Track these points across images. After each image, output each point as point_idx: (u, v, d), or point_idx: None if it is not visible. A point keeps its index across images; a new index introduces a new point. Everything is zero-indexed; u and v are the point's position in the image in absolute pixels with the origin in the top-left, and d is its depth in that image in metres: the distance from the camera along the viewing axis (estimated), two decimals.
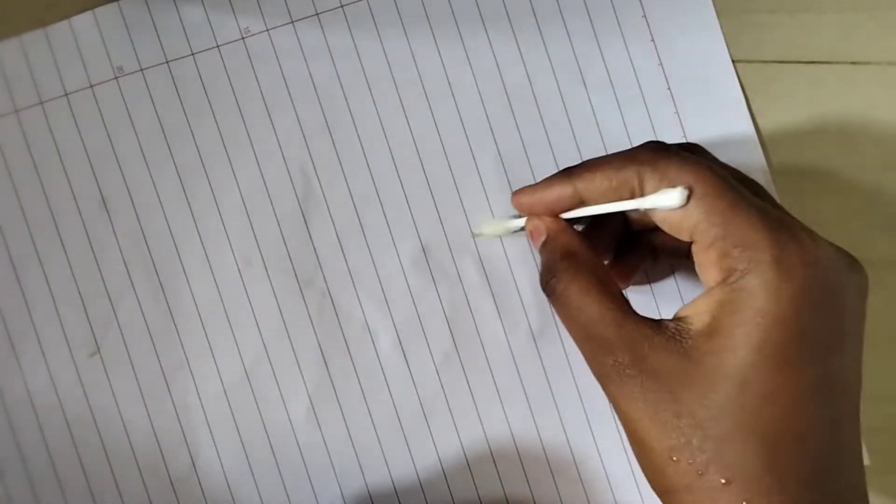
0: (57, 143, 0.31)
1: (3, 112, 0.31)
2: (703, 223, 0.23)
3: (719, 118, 0.32)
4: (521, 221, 0.28)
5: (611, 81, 0.32)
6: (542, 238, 0.27)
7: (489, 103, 0.32)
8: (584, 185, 0.26)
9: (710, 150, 0.27)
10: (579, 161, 0.26)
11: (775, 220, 0.23)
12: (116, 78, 0.31)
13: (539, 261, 0.28)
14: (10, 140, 0.31)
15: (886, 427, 0.32)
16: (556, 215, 0.27)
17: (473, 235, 0.31)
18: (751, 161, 0.32)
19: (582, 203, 0.26)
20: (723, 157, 0.26)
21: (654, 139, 0.26)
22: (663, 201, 0.24)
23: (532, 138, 0.32)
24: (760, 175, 0.32)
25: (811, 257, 0.22)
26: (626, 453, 0.32)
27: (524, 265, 0.32)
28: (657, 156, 0.24)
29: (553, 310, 0.27)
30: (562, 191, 0.26)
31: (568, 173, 0.26)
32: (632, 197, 0.25)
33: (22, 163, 0.31)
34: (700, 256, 0.24)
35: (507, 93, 0.32)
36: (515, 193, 0.27)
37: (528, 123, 0.32)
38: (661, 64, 0.32)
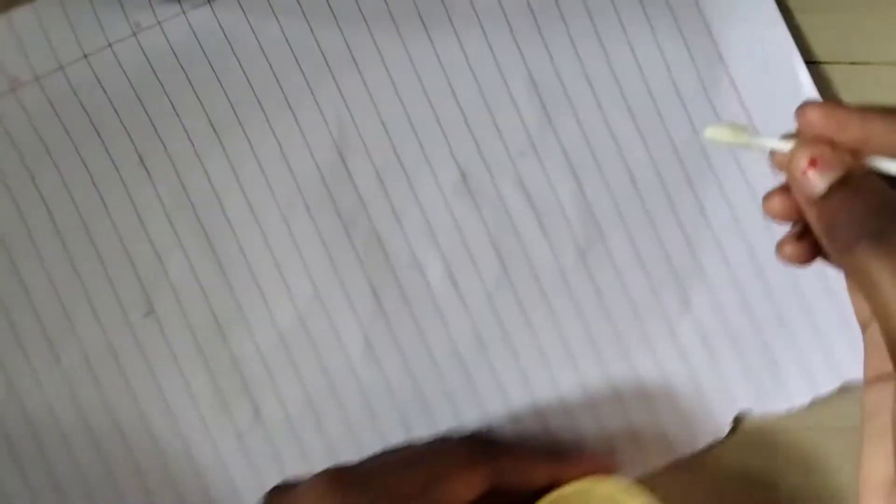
0: (85, 107, 0.31)
1: (26, 80, 0.30)
2: None
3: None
4: (781, 144, 0.23)
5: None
6: (836, 175, 0.21)
7: (515, 27, 0.32)
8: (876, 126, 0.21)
9: None
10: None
11: None
12: (135, 34, 0.31)
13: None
14: (37, 110, 0.30)
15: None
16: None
17: (705, 138, 0.24)
18: None
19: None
20: None
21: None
22: None
23: (562, 57, 0.32)
24: None
25: None
26: (688, 368, 0.32)
27: (565, 182, 0.32)
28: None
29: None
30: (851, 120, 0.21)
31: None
32: None
33: (54, 132, 0.31)
34: None
35: (533, 13, 0.32)
36: (808, 108, 0.22)
37: (558, 43, 0.32)
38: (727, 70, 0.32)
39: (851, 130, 0.21)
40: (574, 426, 0.32)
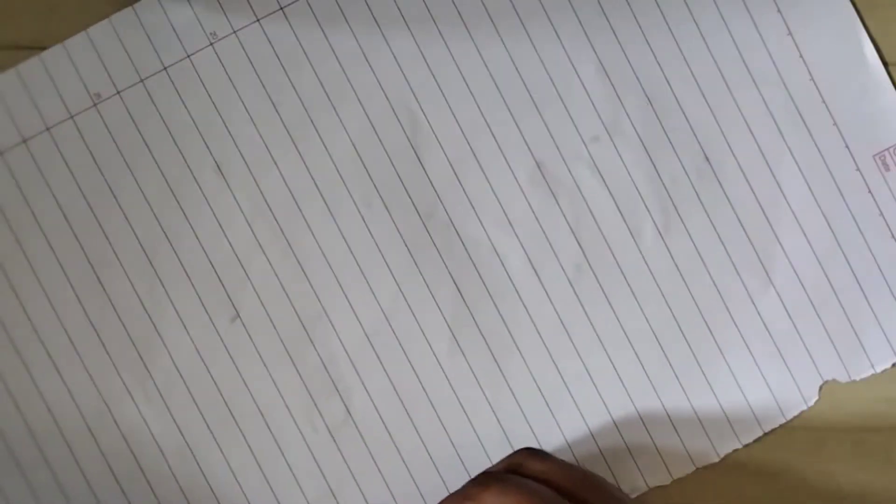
0: (163, 117, 0.31)
1: (107, 95, 0.31)
2: None
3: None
4: None
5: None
6: None
7: (580, 11, 0.32)
8: None
9: None
10: None
11: None
12: (212, 44, 0.31)
13: None
14: (117, 122, 0.31)
15: (886, 427, 0.32)
16: None
17: None
18: None
19: None
20: None
21: (486, 469, 0.30)
22: None
23: (628, 38, 0.32)
24: None
25: None
26: (772, 343, 0.32)
27: (640, 164, 0.32)
28: (480, 489, 0.27)
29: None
30: None
31: None
32: None
33: (133, 141, 0.31)
34: None
35: (600, 2, 0.32)
36: None
37: (623, 25, 0.32)
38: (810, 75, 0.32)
39: None
40: (662, 406, 0.32)
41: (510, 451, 0.32)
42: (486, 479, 0.28)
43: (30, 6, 0.31)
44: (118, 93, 0.31)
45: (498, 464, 0.30)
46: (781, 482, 0.32)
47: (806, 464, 0.32)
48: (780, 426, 0.32)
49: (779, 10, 0.32)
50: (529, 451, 0.30)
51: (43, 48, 0.31)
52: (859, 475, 0.32)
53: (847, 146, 0.32)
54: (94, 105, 0.31)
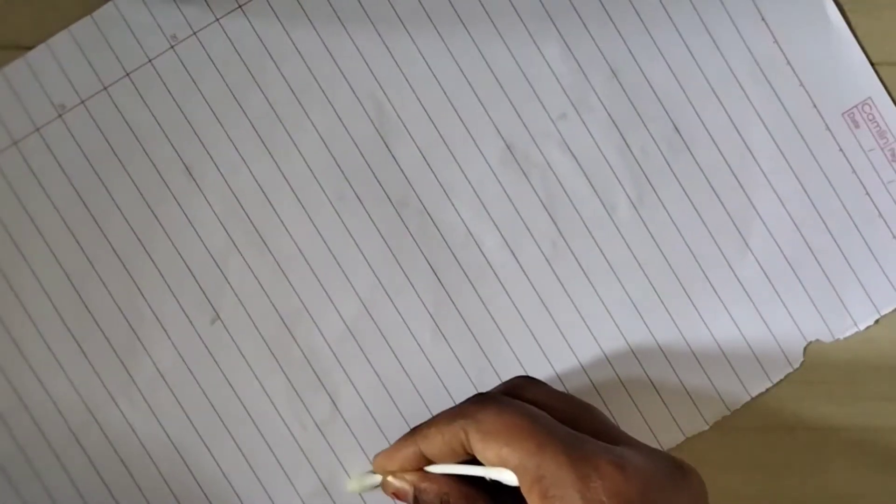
0: (129, 123, 0.31)
1: (71, 105, 0.31)
2: (521, 466, 0.25)
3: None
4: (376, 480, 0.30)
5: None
6: (411, 494, 0.28)
7: None
8: (424, 443, 0.28)
9: None
10: None
11: (580, 455, 0.25)
12: (173, 47, 0.31)
13: None
14: (83, 130, 0.31)
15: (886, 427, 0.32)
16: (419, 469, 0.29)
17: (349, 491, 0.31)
18: None
19: (429, 460, 0.28)
20: None
21: (480, 391, 0.30)
22: (501, 477, 0.26)
23: (590, 12, 0.32)
24: None
25: (616, 487, 0.24)
26: (753, 308, 0.32)
27: (610, 139, 0.32)
28: (477, 407, 0.27)
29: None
30: (408, 450, 0.28)
31: (413, 432, 0.29)
32: (463, 450, 0.27)
33: (100, 150, 0.31)
34: (529, 496, 0.25)
35: None
36: (375, 459, 0.30)
37: (587, 4, 0.32)
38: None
39: (400, 456, 0.29)
40: (647, 378, 0.32)
41: None
42: (483, 399, 0.27)
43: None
44: (82, 102, 0.31)
45: (495, 388, 0.30)
46: (781, 482, 0.32)
47: (806, 463, 0.32)
48: (768, 390, 0.32)
49: None
50: (527, 378, 0.29)
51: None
52: (859, 475, 0.32)
53: (815, 106, 0.32)
54: (60, 116, 0.31)
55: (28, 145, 0.31)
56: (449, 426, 0.27)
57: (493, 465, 0.26)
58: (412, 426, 0.30)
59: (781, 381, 0.32)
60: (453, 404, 0.31)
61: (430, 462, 0.28)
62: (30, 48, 0.30)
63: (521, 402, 0.27)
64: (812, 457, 0.32)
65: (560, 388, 0.32)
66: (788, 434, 0.32)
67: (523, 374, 0.31)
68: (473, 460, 0.27)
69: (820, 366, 0.32)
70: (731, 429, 0.32)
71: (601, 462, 0.25)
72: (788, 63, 0.32)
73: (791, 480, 0.32)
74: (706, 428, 0.32)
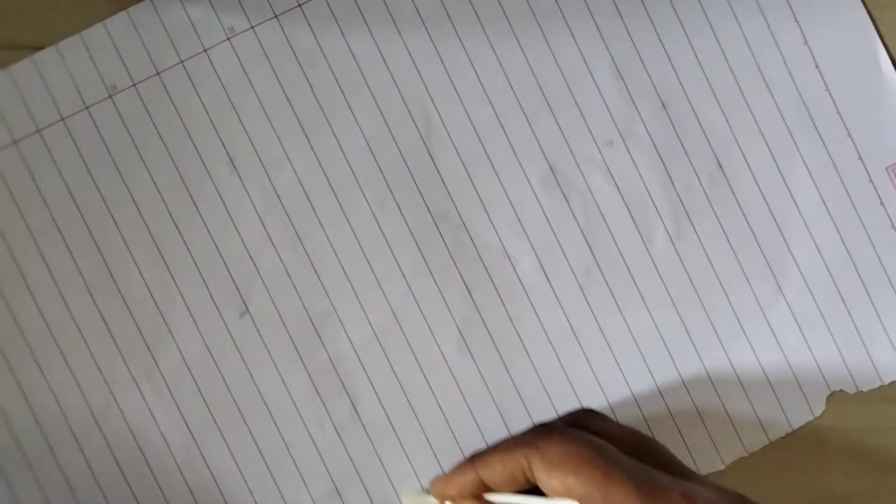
0: (178, 110, 0.31)
1: (122, 87, 0.31)
2: (587, 495, 0.25)
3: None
4: None
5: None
6: None
7: (597, 14, 0.32)
8: (485, 470, 0.28)
9: None
10: None
11: (648, 486, 0.25)
12: (229, 39, 0.31)
13: None
14: (133, 113, 0.31)
15: (886, 427, 0.32)
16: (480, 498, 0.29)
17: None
18: None
19: (487, 487, 0.28)
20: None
21: (543, 421, 0.30)
22: None
23: (645, 43, 0.32)
24: None
25: None
26: (781, 352, 0.32)
27: (653, 170, 0.32)
28: (540, 437, 0.27)
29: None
30: (468, 477, 0.29)
31: (472, 459, 0.29)
32: (525, 479, 0.27)
33: (147, 135, 0.31)
34: None
35: (614, 0, 0.32)
36: (433, 483, 0.30)
37: (640, 30, 0.32)
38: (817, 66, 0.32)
39: (459, 482, 0.29)
40: (668, 412, 0.32)
41: None
42: (547, 430, 0.27)
43: (28, 6, 0.31)
44: (134, 84, 0.31)
45: (555, 419, 0.30)
46: (782, 482, 0.32)
47: (807, 464, 0.32)
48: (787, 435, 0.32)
49: (795, 19, 0.32)
50: (589, 411, 0.29)
51: (40, 47, 0.31)
52: (859, 475, 0.32)
53: (860, 157, 0.32)
54: (110, 96, 0.31)
55: (76, 122, 0.31)
56: (511, 454, 0.27)
57: (558, 494, 0.26)
58: (465, 450, 0.30)
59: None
60: (472, 418, 0.31)
61: (489, 490, 0.28)
62: (40, 48, 0.31)
63: (586, 433, 0.27)
64: (813, 457, 0.32)
65: (576, 405, 0.31)
66: (789, 435, 0.32)
67: (580, 406, 0.31)
68: (532, 490, 0.27)
69: None
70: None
71: (671, 494, 0.25)
72: (837, 112, 0.32)
73: (792, 481, 0.32)
74: (722, 468, 0.32)
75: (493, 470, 0.28)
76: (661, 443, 0.28)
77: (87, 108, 0.31)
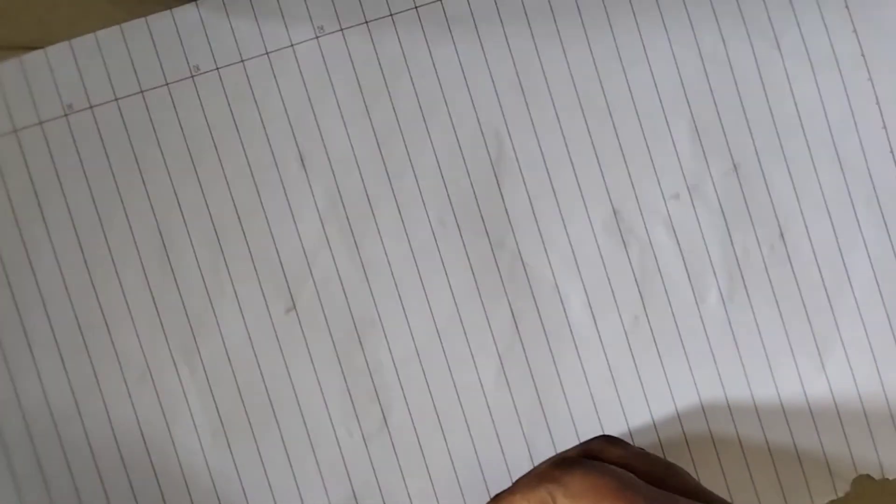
0: (256, 99, 0.31)
1: (206, 69, 0.31)
2: None
3: None
4: None
5: (805, 47, 0.32)
6: None
7: (683, 67, 0.32)
8: None
9: None
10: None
11: None
12: (317, 38, 0.31)
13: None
14: (211, 96, 0.31)
15: None
16: None
17: None
18: None
19: None
20: None
21: (562, 452, 0.30)
22: None
23: (726, 103, 0.32)
24: None
25: None
26: (815, 428, 0.32)
27: (715, 229, 0.32)
28: (563, 472, 0.27)
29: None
30: None
31: (496, 499, 0.29)
32: None
33: (223, 120, 0.31)
34: None
35: (701, 57, 0.32)
36: None
37: (723, 90, 0.32)
38: (855, 31, 0.32)
39: None
40: (696, 472, 0.32)
41: None
42: (569, 463, 0.27)
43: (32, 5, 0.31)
44: (217, 69, 0.31)
45: (572, 449, 0.30)
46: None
47: None
48: None
49: (877, 102, 0.32)
50: (607, 438, 0.29)
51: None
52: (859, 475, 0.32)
53: None
54: (192, 76, 0.31)
55: (155, 97, 0.31)
56: (534, 492, 0.27)
57: None
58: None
59: None
60: (499, 447, 0.32)
61: None
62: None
63: (607, 464, 0.27)
64: None
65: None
66: None
67: (601, 433, 0.31)
68: None
69: None
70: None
71: None
72: None
73: None
74: None
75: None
76: (680, 466, 0.28)
77: (167, 84, 0.31)
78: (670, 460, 0.29)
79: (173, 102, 0.31)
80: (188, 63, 0.31)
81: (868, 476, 0.32)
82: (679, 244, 0.32)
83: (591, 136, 0.32)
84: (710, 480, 0.32)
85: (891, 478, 0.32)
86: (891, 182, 0.32)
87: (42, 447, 0.30)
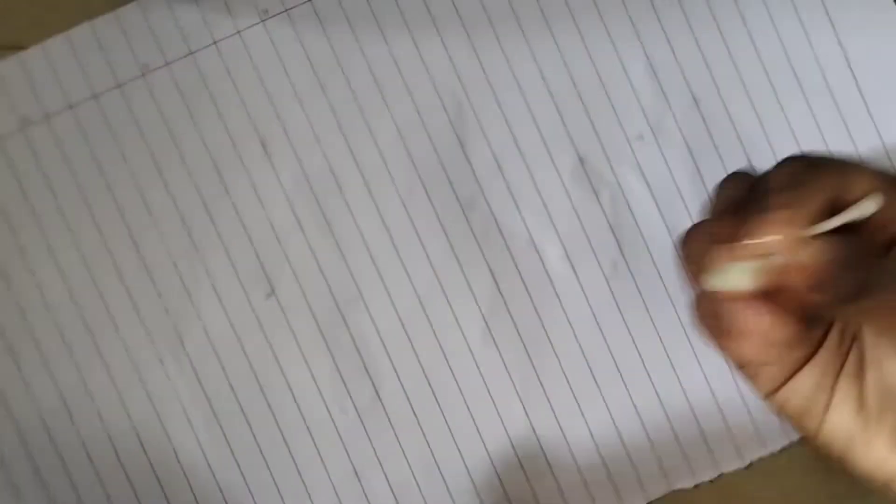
0: (210, 90, 0.31)
1: (155, 66, 0.31)
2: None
3: None
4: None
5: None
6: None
7: (632, 9, 0.32)
8: (800, 208, 0.20)
9: None
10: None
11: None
12: (263, 21, 0.31)
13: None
14: (165, 92, 0.31)
15: None
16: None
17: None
18: None
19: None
20: None
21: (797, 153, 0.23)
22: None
23: (680, 40, 0.32)
24: None
25: None
26: None
27: (683, 165, 0.32)
28: (843, 170, 0.21)
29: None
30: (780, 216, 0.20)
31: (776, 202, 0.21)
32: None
33: (179, 115, 0.31)
34: None
35: (652, 1, 0.32)
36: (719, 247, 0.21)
37: (674, 27, 0.32)
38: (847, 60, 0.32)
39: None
40: (690, 408, 0.32)
41: (535, 443, 0.32)
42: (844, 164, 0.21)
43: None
44: (167, 64, 0.31)
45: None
46: (782, 482, 0.32)
47: (806, 464, 0.32)
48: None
49: (831, 23, 0.32)
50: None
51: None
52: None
53: (889, 159, 0.32)
54: (143, 75, 0.31)
55: (108, 100, 0.31)
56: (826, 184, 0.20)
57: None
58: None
59: None
60: (493, 407, 0.32)
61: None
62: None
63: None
64: (812, 457, 0.32)
65: (602, 409, 0.32)
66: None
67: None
68: None
69: None
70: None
71: None
72: (871, 117, 0.32)
73: (793, 481, 0.32)
74: (741, 466, 0.32)
75: (814, 200, 0.20)
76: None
77: (119, 86, 0.31)
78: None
79: (127, 104, 0.31)
80: (137, 62, 0.31)
81: None
82: (649, 184, 0.32)
83: (547, 86, 0.32)
84: (707, 413, 0.32)
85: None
86: (853, 101, 0.32)
87: (39, 457, 0.30)
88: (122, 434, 0.31)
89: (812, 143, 0.32)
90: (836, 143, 0.32)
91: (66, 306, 0.31)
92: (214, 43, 0.31)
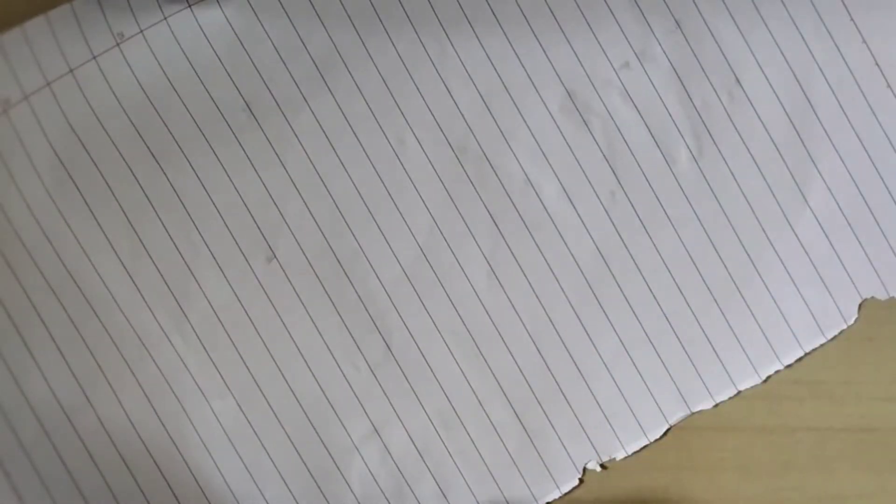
0: (188, 56, 0.31)
1: (130, 34, 0.30)
2: None
3: None
4: None
5: None
6: None
7: None
8: None
9: None
10: None
11: None
12: None
13: None
14: (141, 62, 0.30)
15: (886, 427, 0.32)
16: None
17: None
18: None
19: None
20: None
21: None
22: None
23: None
24: None
25: None
26: (810, 262, 0.32)
27: (672, 89, 0.32)
28: None
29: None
30: None
31: None
32: None
33: (158, 84, 0.31)
34: None
35: None
36: None
37: None
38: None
39: None
40: (701, 330, 0.32)
41: (552, 383, 0.31)
42: None
43: None
44: (141, 31, 0.30)
45: None
46: (782, 482, 0.32)
47: (806, 464, 0.32)
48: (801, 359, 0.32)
49: None
50: None
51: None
52: (859, 475, 0.32)
53: (877, 63, 0.32)
54: (117, 45, 0.30)
55: (84, 73, 0.30)
56: None
57: None
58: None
59: (791, 365, 0.32)
60: (505, 348, 0.31)
61: None
62: None
63: None
64: (813, 457, 0.32)
65: (613, 338, 0.31)
66: (789, 435, 0.32)
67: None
68: None
69: (819, 367, 0.32)
70: (730, 428, 0.32)
71: None
72: (852, 19, 0.32)
73: (791, 481, 0.32)
74: (759, 381, 0.32)
75: None
76: None
77: (94, 58, 0.30)
78: None
79: (104, 75, 0.30)
80: (111, 32, 0.30)
81: (873, 298, 0.32)
82: (639, 111, 0.32)
83: (528, 22, 0.31)
84: (717, 331, 0.32)
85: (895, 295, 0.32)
86: (835, 4, 0.32)
87: (60, 443, 0.30)
88: (140, 412, 0.30)
89: (798, 57, 0.32)
90: (819, 50, 0.32)
91: (68, 288, 0.30)
92: (189, 6, 0.30)
